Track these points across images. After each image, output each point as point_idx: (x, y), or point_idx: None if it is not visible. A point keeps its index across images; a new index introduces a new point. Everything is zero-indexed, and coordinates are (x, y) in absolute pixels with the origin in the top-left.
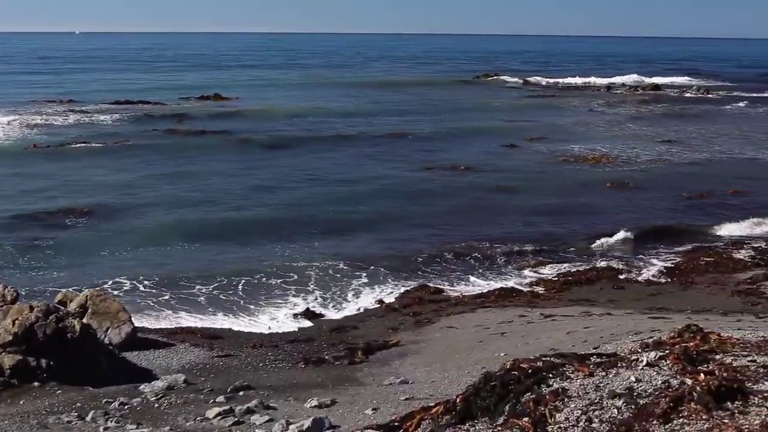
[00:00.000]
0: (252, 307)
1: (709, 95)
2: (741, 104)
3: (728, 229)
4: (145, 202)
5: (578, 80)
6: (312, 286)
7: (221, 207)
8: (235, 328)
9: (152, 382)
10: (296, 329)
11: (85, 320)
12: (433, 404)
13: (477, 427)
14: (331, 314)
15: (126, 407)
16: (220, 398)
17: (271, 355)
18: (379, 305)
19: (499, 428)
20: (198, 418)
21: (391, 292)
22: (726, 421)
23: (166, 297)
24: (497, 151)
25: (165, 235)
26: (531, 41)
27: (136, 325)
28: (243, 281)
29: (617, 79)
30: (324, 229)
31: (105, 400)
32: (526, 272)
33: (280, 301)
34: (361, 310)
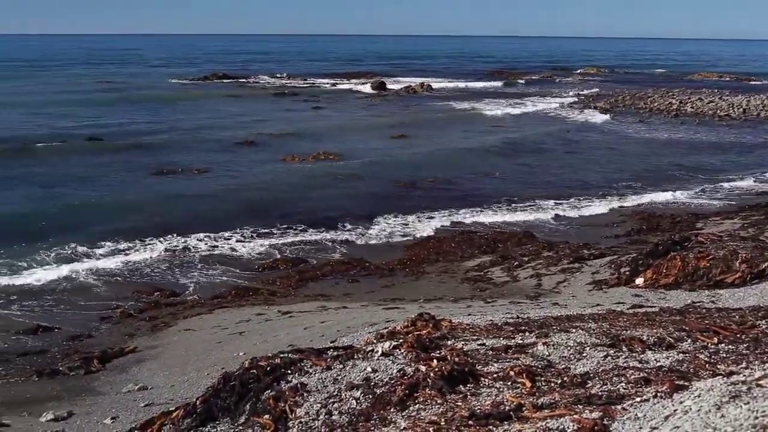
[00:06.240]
0: None
1: (431, 93)
2: (465, 103)
3: (456, 217)
4: None
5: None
6: (39, 292)
7: None
8: None
9: None
10: (28, 341)
11: None
12: (173, 408)
13: (219, 428)
14: (64, 325)
15: None
16: None
17: (2, 370)
18: (113, 311)
19: (241, 427)
20: None
21: (125, 297)
22: (459, 403)
23: None
24: (231, 151)
25: None
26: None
27: None
28: None
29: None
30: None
31: None
32: (262, 268)
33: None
34: (96, 318)
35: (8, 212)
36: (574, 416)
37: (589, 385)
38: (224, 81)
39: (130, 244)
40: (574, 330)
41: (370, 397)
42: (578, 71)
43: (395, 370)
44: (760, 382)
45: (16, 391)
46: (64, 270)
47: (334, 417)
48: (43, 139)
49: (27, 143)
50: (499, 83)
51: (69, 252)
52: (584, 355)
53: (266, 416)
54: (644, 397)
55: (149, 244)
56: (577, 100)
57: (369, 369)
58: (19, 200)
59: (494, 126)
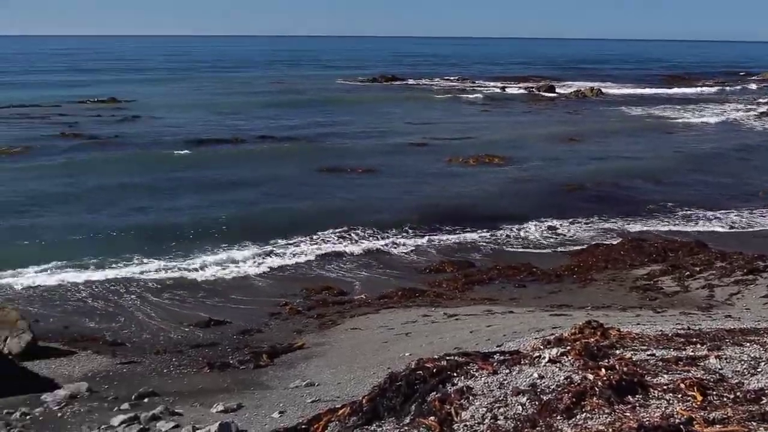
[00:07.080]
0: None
1: (602, 98)
2: (638, 108)
3: (616, 226)
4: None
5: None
6: (212, 287)
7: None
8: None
9: (54, 392)
10: (200, 334)
11: None
12: (339, 406)
13: (384, 428)
14: (235, 319)
15: (28, 417)
16: (125, 405)
17: (176, 360)
18: (282, 308)
19: (406, 428)
20: (102, 427)
21: (294, 294)
22: (628, 414)
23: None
24: (400, 152)
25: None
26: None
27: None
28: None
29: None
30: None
31: (5, 410)
32: (428, 270)
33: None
34: (265, 314)
35: (184, 212)
36: None
37: (763, 401)
38: (393, 83)
39: (299, 241)
40: (748, 344)
41: (537, 403)
42: (756, 76)
43: (562, 378)
44: None
45: (189, 382)
46: (235, 266)
47: (499, 422)
48: (218, 139)
49: (203, 143)
50: (673, 89)
51: (239, 249)
52: (759, 370)
53: (431, 418)
54: None
55: (316, 242)
56: (755, 106)
57: (535, 375)
58: (193, 199)
59: (667, 133)
